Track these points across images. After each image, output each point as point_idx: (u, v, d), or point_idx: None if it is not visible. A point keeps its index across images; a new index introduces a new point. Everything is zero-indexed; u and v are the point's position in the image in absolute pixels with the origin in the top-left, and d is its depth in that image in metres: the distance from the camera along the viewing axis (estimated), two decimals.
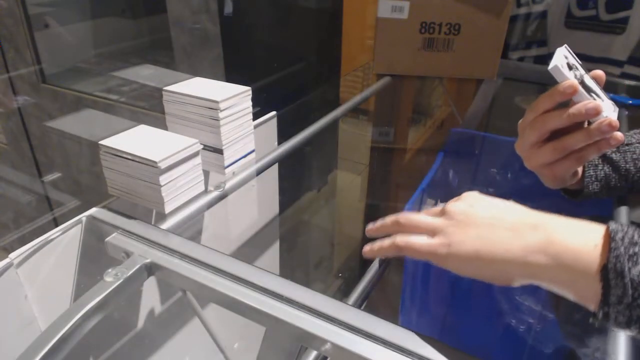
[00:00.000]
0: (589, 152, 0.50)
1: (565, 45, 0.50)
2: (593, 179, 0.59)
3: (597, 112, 0.46)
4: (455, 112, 1.25)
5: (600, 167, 0.59)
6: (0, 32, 1.39)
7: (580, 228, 0.37)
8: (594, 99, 0.47)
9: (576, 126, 0.49)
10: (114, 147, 0.56)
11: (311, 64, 1.44)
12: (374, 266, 1.02)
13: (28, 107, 1.50)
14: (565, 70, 0.47)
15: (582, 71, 0.49)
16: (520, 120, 0.53)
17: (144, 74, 1.44)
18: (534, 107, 0.50)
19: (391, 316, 1.07)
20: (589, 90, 0.48)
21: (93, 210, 0.57)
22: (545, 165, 0.53)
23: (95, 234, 0.56)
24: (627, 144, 0.60)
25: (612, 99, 0.52)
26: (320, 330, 0.41)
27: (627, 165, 0.59)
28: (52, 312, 0.54)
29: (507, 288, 0.81)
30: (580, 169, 0.59)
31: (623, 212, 0.63)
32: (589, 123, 0.48)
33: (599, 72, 0.51)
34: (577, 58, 0.50)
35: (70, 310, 0.43)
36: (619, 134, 0.48)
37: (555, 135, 0.50)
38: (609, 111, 0.49)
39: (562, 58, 0.48)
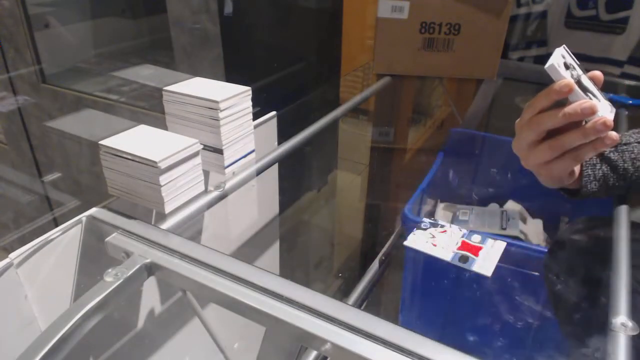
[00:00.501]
0: (585, 152, 0.50)
1: (564, 45, 0.50)
2: (591, 178, 0.59)
3: (592, 111, 0.47)
4: (455, 112, 1.25)
5: (598, 167, 0.59)
6: (0, 32, 1.40)
7: None
8: (590, 99, 0.48)
9: (573, 126, 0.49)
10: (114, 147, 0.56)
11: (311, 64, 1.44)
12: (374, 266, 1.03)
13: (28, 107, 1.50)
14: (561, 69, 0.47)
15: (579, 71, 0.50)
16: (518, 120, 0.53)
17: (144, 74, 1.44)
18: (531, 106, 0.51)
19: (391, 316, 1.07)
20: (585, 90, 0.48)
21: (93, 210, 0.57)
22: (541, 165, 0.53)
23: (95, 234, 0.56)
24: (625, 144, 0.60)
25: (610, 99, 0.52)
26: (320, 330, 0.41)
27: (626, 165, 0.59)
28: (52, 312, 0.54)
29: (507, 288, 0.81)
30: (578, 169, 0.59)
31: (623, 212, 0.63)
32: (586, 123, 0.49)
33: (597, 73, 0.51)
34: (575, 58, 0.51)
35: (70, 310, 0.43)
36: (613, 134, 0.48)
37: (552, 134, 0.51)
38: (606, 111, 0.49)
39: (559, 57, 0.48)
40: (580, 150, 0.50)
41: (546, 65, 0.47)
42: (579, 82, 0.48)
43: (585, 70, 0.51)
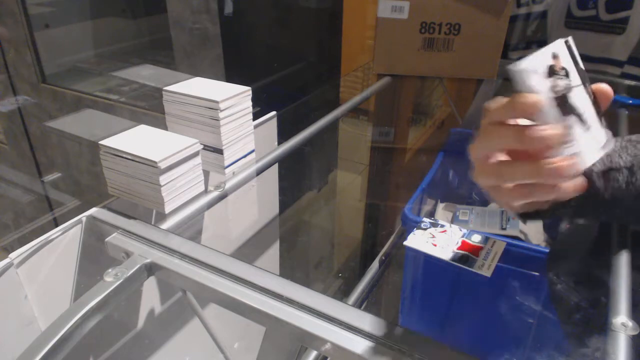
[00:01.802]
0: (537, 192, 0.36)
1: (570, 37, 0.36)
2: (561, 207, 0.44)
3: (552, 142, 0.33)
4: (455, 112, 1.25)
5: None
6: (0, 32, 1.39)
7: None
8: (570, 126, 0.34)
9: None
10: (114, 147, 0.56)
11: (311, 64, 1.44)
12: (374, 266, 1.02)
13: (28, 107, 1.50)
14: (537, 76, 0.33)
15: (574, 81, 0.35)
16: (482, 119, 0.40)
17: (144, 74, 1.44)
18: (488, 114, 0.37)
19: (391, 316, 1.07)
20: (570, 110, 0.34)
21: (93, 210, 0.57)
22: (486, 186, 0.41)
23: (95, 234, 0.56)
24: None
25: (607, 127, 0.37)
26: (320, 330, 0.41)
27: (606, 195, 0.43)
28: (52, 312, 0.54)
29: (507, 288, 0.81)
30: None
31: None
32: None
33: (603, 87, 0.36)
34: (578, 59, 0.36)
35: (70, 310, 0.43)
36: (570, 186, 0.35)
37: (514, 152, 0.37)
38: (590, 146, 0.35)
39: (545, 58, 0.33)
40: (533, 189, 0.36)
41: (517, 67, 0.33)
42: (562, 98, 0.34)
43: (589, 79, 0.36)
